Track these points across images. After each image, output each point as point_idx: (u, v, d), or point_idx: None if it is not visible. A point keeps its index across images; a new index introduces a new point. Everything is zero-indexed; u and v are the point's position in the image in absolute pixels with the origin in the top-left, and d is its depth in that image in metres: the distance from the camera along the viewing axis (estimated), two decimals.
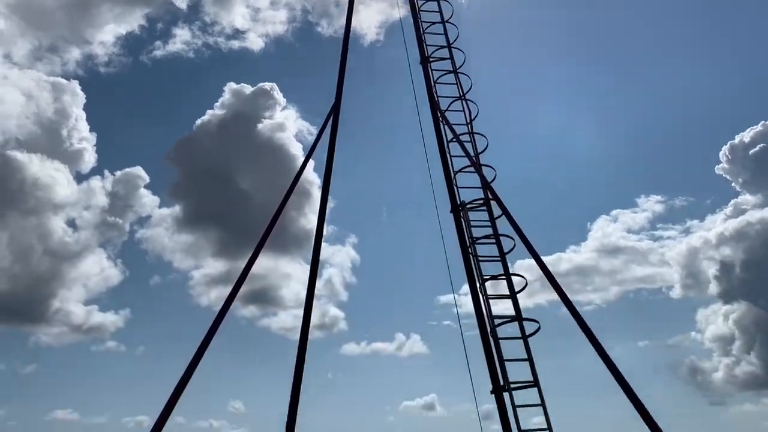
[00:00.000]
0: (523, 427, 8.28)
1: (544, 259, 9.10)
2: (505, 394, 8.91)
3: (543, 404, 8.54)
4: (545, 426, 8.32)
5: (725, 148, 33.62)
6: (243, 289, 8.66)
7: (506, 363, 8.90)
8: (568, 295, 8.35)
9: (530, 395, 8.70)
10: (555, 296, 8.69)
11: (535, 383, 8.74)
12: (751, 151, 32.25)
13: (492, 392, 9.12)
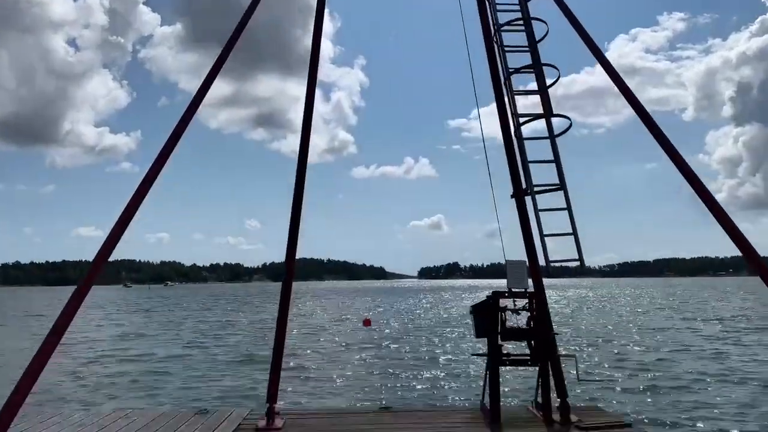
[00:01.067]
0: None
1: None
2: (528, 199, 8.13)
3: (569, 207, 7.76)
4: (570, 230, 7.61)
5: None
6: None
7: (530, 165, 7.98)
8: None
9: (554, 199, 7.94)
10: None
11: (562, 186, 7.88)
12: None
13: (512, 196, 8.33)
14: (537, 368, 7.41)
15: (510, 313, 7.36)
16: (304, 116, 8.44)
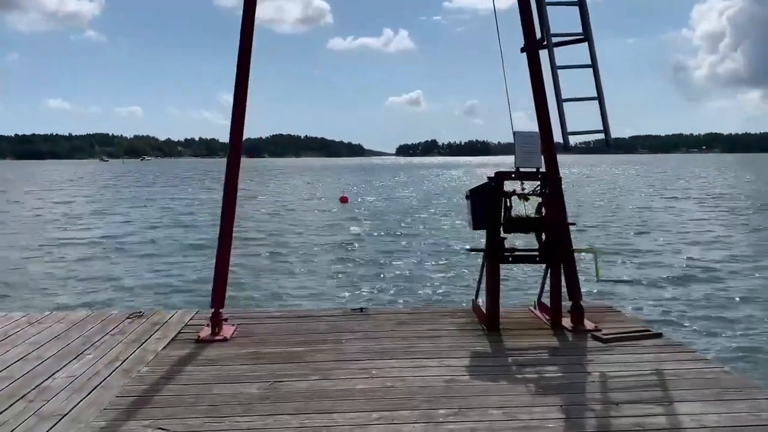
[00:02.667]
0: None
1: None
2: (542, 53, 6.34)
3: (594, 64, 6.03)
4: (595, 95, 5.93)
5: None
6: None
7: (547, 7, 6.10)
8: None
9: (577, 53, 6.17)
10: None
11: (586, 36, 6.07)
12: None
13: (523, 50, 6.50)
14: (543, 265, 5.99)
15: (516, 199, 5.79)
16: None
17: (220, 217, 6.02)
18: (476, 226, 5.86)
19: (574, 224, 6.02)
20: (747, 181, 58.63)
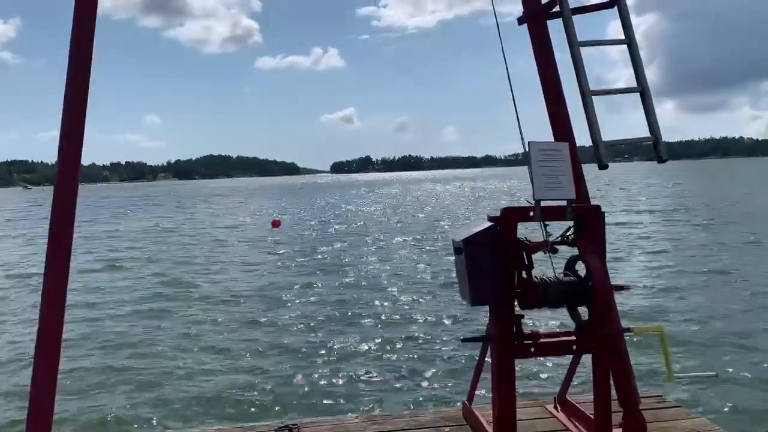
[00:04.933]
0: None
1: None
2: (552, 24, 4.27)
3: (630, 39, 4.01)
4: (635, 85, 3.86)
5: None
6: None
7: None
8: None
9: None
10: None
11: (616, 1, 4.09)
12: None
13: (521, 21, 4.34)
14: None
15: (542, 251, 3.54)
16: None
17: (43, 286, 3.55)
18: (477, 298, 3.56)
19: (628, 288, 3.79)
20: (670, 187, 59.49)
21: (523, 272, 3.50)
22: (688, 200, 41.81)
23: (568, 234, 3.63)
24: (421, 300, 13.19)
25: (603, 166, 3.87)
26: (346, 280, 15.94)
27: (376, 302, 13.05)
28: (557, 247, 3.56)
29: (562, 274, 3.62)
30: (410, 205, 51.91)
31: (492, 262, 3.47)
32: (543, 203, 3.56)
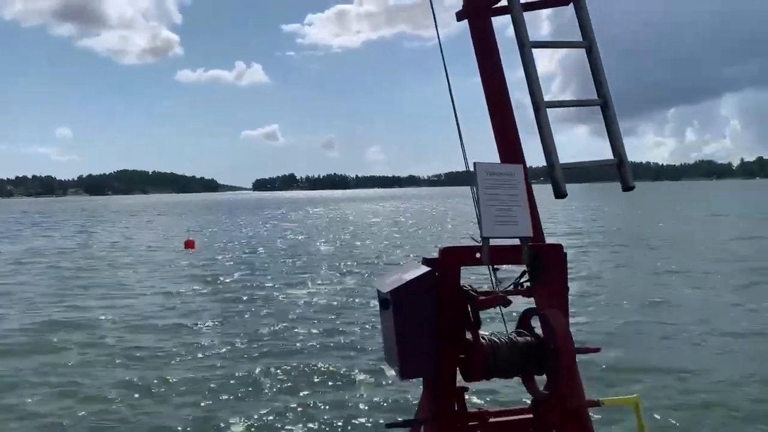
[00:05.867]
0: None
1: None
2: (497, 21, 3.49)
3: (590, 42, 3.25)
4: (595, 97, 3.10)
5: None
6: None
7: None
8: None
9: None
10: None
11: None
12: None
13: (460, 16, 3.57)
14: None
15: (487, 301, 2.72)
16: None
17: None
18: (409, 370, 2.68)
19: (598, 350, 3.02)
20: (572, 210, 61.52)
21: (467, 332, 2.66)
22: (607, 224, 43.04)
23: (522, 280, 2.83)
24: (337, 356, 10.56)
25: (561, 194, 3.08)
26: (260, 310, 14.72)
27: (284, 344, 11.89)
28: (510, 298, 2.74)
29: (514, 333, 2.80)
30: (336, 226, 50.89)
31: (429, 320, 2.61)
32: (492, 241, 2.74)
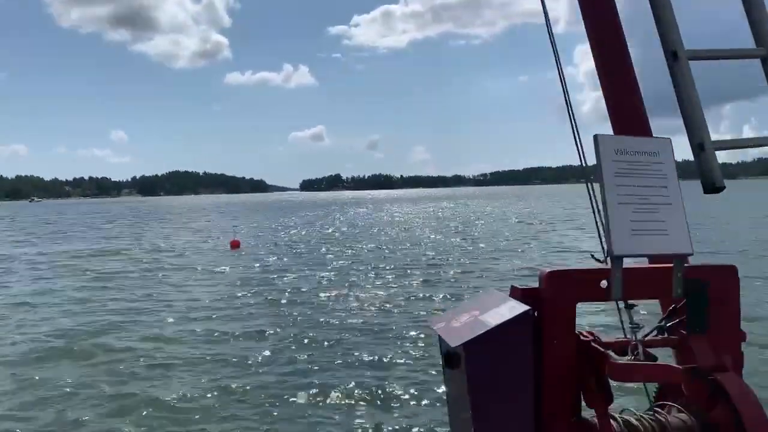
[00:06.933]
0: None
1: None
2: None
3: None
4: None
5: None
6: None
7: None
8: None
9: None
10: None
11: None
12: None
13: None
14: None
15: (624, 368, 1.76)
16: None
17: None
18: None
19: None
20: None
21: (586, 399, 1.72)
22: None
23: (671, 323, 1.85)
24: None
25: (715, 186, 2.04)
26: (305, 311, 13.98)
27: (341, 351, 11.12)
28: (653, 351, 1.78)
29: (659, 410, 1.82)
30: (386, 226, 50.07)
31: (523, 389, 1.67)
32: (626, 262, 1.77)
